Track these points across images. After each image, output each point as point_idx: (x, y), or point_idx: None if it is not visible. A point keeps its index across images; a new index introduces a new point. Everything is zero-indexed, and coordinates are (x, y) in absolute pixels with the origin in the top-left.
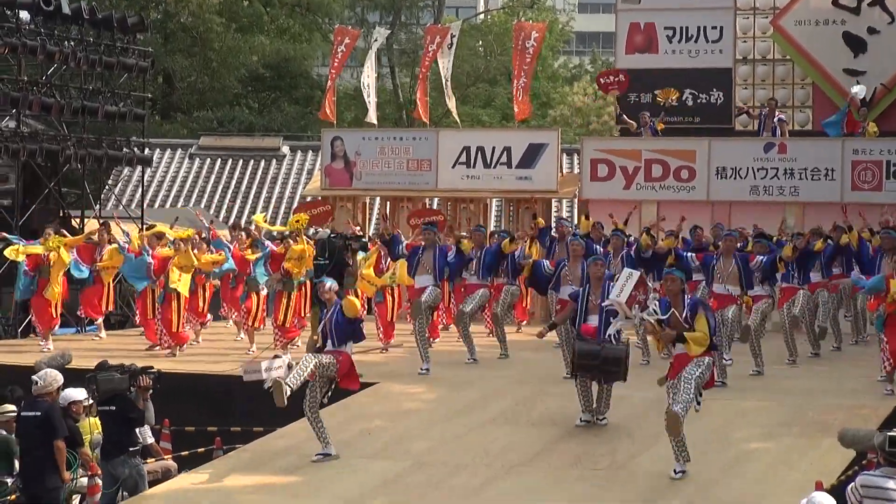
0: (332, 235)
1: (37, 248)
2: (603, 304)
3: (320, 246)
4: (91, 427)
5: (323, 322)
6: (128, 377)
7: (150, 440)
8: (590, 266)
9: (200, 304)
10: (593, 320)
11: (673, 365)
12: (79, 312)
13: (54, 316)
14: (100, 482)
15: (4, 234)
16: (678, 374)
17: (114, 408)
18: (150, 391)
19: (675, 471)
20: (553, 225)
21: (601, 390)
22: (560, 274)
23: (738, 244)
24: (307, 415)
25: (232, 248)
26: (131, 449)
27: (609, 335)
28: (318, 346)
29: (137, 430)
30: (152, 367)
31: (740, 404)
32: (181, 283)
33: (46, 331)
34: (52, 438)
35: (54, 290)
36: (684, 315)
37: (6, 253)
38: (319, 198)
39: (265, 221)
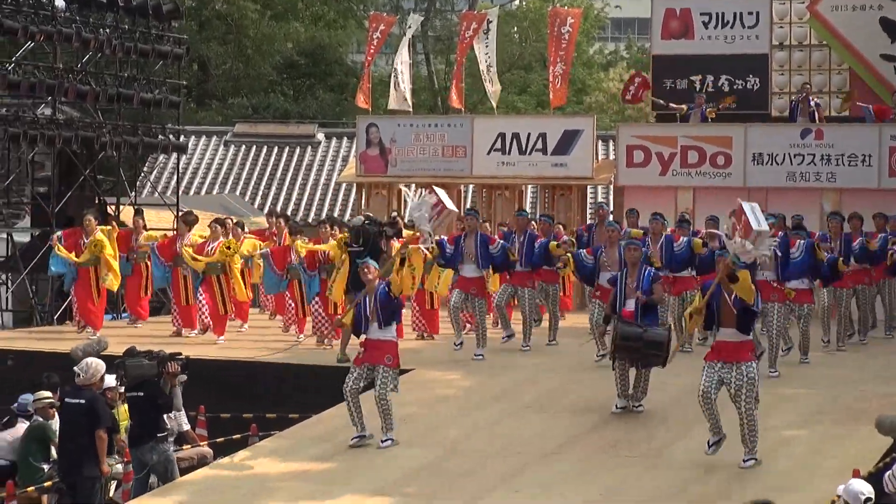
0: (367, 222)
1: (83, 258)
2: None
3: (354, 233)
4: (125, 414)
5: (361, 307)
6: (156, 363)
7: (186, 427)
8: (626, 250)
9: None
10: (630, 305)
11: (714, 347)
12: (124, 309)
13: (96, 305)
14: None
15: (58, 244)
16: (720, 358)
17: (142, 394)
18: (179, 377)
19: (743, 460)
20: (591, 209)
21: (639, 375)
22: (598, 260)
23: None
24: (347, 399)
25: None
26: (159, 435)
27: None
28: (352, 331)
29: (172, 416)
30: (180, 354)
31: (776, 391)
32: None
33: (95, 321)
34: (94, 427)
35: (112, 280)
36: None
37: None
38: (354, 184)
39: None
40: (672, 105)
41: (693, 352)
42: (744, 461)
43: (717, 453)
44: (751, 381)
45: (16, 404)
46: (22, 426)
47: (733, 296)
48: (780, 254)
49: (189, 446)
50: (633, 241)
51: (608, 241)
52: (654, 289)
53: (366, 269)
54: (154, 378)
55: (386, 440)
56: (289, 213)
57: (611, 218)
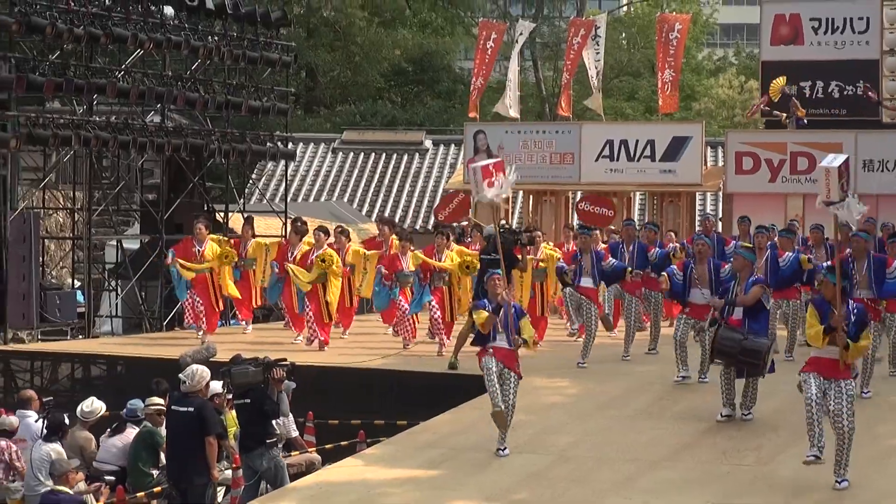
0: (501, 230)
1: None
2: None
3: (491, 241)
4: (233, 420)
5: (492, 318)
6: (262, 370)
7: (295, 433)
8: (734, 259)
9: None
10: (738, 313)
11: (811, 362)
12: (233, 315)
13: (216, 309)
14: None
15: (179, 260)
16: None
17: (249, 401)
18: (287, 383)
19: (837, 482)
20: (698, 220)
21: (747, 383)
22: (689, 277)
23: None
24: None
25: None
26: (268, 441)
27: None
28: (472, 339)
29: (281, 422)
30: (285, 359)
31: (888, 398)
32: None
33: (210, 325)
34: (203, 434)
35: (229, 285)
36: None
37: (183, 273)
38: (461, 192)
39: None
40: (776, 112)
41: (794, 360)
42: (837, 482)
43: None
44: (850, 399)
45: (125, 410)
46: (131, 431)
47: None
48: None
49: (297, 453)
50: (742, 249)
51: (698, 255)
52: (752, 292)
53: (496, 283)
54: (260, 384)
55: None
56: (396, 219)
57: (719, 227)
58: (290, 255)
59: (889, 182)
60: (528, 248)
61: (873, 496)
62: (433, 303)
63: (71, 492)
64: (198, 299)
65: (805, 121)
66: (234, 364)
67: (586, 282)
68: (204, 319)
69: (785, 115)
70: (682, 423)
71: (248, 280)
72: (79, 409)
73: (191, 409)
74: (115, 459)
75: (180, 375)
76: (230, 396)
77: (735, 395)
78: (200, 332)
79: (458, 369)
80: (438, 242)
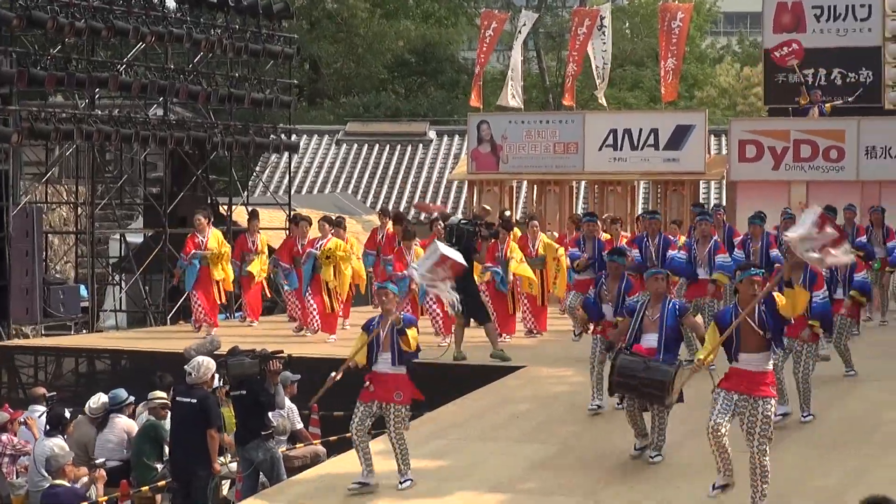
0: (463, 221)
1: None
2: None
3: (448, 231)
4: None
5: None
6: (258, 362)
7: (300, 425)
8: (650, 280)
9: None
10: (649, 341)
11: (729, 374)
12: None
13: (217, 301)
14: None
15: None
16: (735, 389)
17: (245, 392)
18: (289, 375)
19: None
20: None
21: (653, 417)
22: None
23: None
24: (354, 439)
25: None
26: (263, 433)
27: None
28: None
29: (284, 414)
30: (282, 351)
31: (890, 384)
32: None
33: (211, 317)
34: (206, 426)
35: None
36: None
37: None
38: (466, 182)
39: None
40: (805, 91)
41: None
42: None
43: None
44: (766, 420)
45: (108, 401)
46: (120, 422)
47: (763, 310)
48: None
49: (302, 444)
50: (660, 270)
51: (611, 272)
52: (684, 322)
53: (385, 297)
54: (256, 376)
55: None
56: (401, 210)
57: (719, 215)
58: (297, 247)
59: (891, 168)
60: (492, 240)
61: (880, 485)
62: (431, 299)
63: (68, 485)
64: (197, 301)
65: (827, 113)
66: (230, 356)
67: (585, 273)
68: (209, 317)
69: (806, 99)
70: (687, 410)
71: (249, 282)
72: (87, 405)
73: (194, 400)
74: (114, 454)
75: (186, 367)
76: (227, 388)
77: (646, 427)
78: (205, 326)
79: (466, 359)
80: (437, 230)
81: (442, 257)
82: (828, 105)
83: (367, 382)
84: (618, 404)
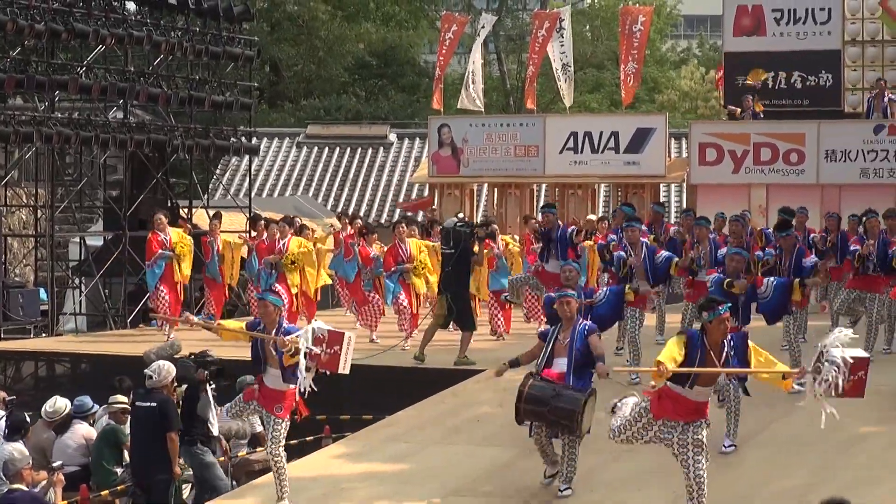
0: (459, 224)
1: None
2: None
3: (445, 234)
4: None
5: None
6: (194, 367)
7: (259, 429)
8: (558, 303)
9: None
10: (560, 365)
11: (662, 401)
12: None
13: (178, 300)
14: None
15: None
16: (666, 416)
17: (185, 396)
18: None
19: None
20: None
21: (564, 447)
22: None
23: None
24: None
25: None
26: (187, 438)
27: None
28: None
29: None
30: (213, 358)
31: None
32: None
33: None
34: (166, 430)
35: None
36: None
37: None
38: (427, 185)
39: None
40: (730, 106)
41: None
42: None
43: None
44: (697, 445)
45: (72, 407)
46: (80, 428)
47: (729, 352)
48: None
49: (262, 448)
50: (566, 293)
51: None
52: (589, 343)
53: (264, 308)
54: (196, 381)
55: None
56: (361, 213)
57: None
58: (279, 245)
59: (851, 172)
60: (487, 240)
61: (842, 485)
62: (402, 295)
63: (26, 489)
64: (164, 296)
65: (762, 115)
66: (182, 357)
67: (552, 266)
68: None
69: (739, 110)
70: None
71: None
72: (43, 408)
73: (153, 404)
74: (73, 459)
75: (146, 371)
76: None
77: (554, 453)
78: (166, 327)
79: (424, 362)
80: (399, 231)
81: (317, 339)
82: (758, 106)
83: (256, 385)
84: (529, 436)
